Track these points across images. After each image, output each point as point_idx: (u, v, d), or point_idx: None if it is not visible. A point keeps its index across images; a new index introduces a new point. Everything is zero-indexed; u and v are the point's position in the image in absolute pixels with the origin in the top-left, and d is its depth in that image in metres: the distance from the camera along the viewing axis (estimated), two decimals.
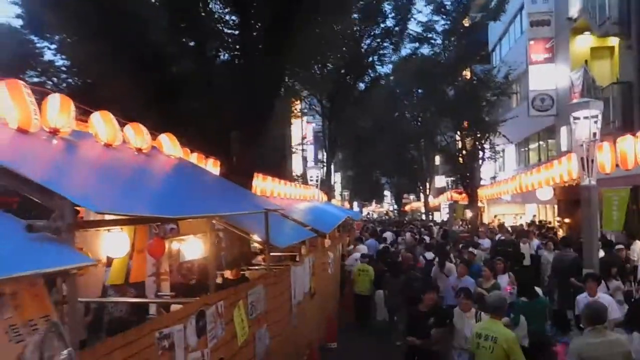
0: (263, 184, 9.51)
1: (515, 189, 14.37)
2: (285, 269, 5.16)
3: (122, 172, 3.55)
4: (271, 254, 7.50)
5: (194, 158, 6.05)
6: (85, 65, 8.14)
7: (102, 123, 3.85)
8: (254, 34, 7.05)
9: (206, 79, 7.15)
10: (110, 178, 3.20)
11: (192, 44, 7.23)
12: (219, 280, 6.53)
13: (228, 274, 6.37)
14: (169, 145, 4.81)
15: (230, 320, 3.56)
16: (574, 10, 15.71)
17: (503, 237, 10.99)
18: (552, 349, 4.82)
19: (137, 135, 4.27)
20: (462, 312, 4.99)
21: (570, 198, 14.52)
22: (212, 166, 6.71)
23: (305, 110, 26.71)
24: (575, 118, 6.85)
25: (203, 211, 3.50)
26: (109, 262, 4.41)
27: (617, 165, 6.88)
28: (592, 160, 6.52)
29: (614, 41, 14.33)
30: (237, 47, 7.24)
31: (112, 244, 4.29)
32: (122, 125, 4.26)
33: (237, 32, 7.28)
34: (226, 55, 7.62)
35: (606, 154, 6.92)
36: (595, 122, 6.70)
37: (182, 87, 6.96)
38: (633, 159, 6.47)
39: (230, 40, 7.47)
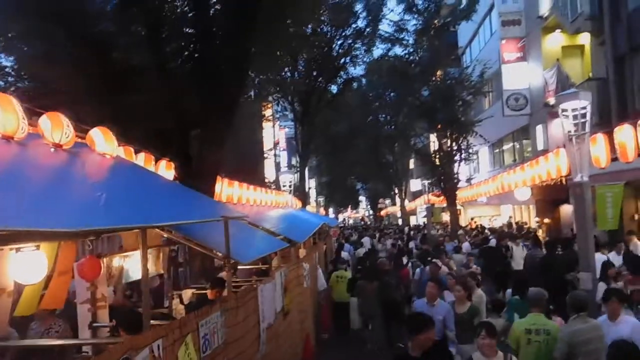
0: (229, 190, 8.62)
1: (496, 189, 13.95)
2: (250, 288, 4.31)
3: (22, 173, 2.66)
4: (240, 267, 6.66)
5: (141, 159, 5.14)
6: (28, 58, 7.12)
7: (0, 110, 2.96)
8: (210, 15, 6.24)
9: (161, 69, 6.31)
10: None
11: (139, 29, 6.33)
12: (175, 301, 5.65)
13: (196, 294, 5.52)
14: (103, 141, 3.92)
15: None
16: (544, 8, 15.66)
17: (501, 241, 10.50)
18: None
19: (55, 127, 3.38)
20: (485, 357, 3.48)
21: (549, 197, 14.28)
22: (165, 169, 5.80)
23: (278, 116, 25.92)
24: (563, 110, 6.43)
25: (134, 221, 2.64)
26: (19, 289, 3.45)
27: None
28: (584, 155, 6.10)
29: (584, 39, 14.29)
30: (192, 31, 6.41)
31: (23, 267, 3.35)
32: (38, 115, 3.41)
33: (190, 14, 6.45)
34: (183, 43, 6.75)
35: (600, 147, 6.44)
36: (585, 113, 6.32)
37: (133, 79, 6.11)
38: (633, 150, 5.98)
39: (182, 25, 6.63)
